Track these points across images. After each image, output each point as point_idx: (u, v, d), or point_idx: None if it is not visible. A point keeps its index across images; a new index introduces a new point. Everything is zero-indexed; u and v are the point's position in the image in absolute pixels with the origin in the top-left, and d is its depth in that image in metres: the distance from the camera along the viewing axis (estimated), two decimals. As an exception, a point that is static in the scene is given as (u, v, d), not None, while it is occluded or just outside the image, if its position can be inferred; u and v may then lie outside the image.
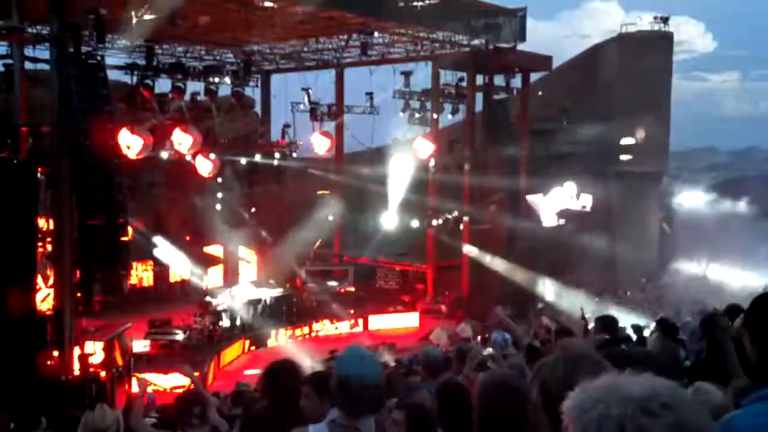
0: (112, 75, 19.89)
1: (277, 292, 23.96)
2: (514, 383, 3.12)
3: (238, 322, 21.99)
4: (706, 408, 1.40)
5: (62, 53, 15.83)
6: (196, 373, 17.02)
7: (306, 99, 27.39)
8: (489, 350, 6.78)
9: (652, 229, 34.79)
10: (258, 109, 30.94)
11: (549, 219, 28.28)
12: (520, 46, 26.84)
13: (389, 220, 28.03)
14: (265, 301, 23.16)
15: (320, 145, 27.01)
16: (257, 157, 26.45)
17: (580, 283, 26.92)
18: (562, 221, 28.37)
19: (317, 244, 29.02)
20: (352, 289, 26.84)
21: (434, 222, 27.34)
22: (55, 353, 15.12)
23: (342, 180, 29.36)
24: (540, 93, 30.83)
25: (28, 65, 17.19)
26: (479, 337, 19.47)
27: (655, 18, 36.42)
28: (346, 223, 29.51)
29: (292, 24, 22.06)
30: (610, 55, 35.93)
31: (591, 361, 2.60)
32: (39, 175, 15.53)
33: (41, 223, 15.66)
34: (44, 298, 15.70)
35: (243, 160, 26.14)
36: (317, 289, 25.72)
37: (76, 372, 15.19)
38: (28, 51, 17.91)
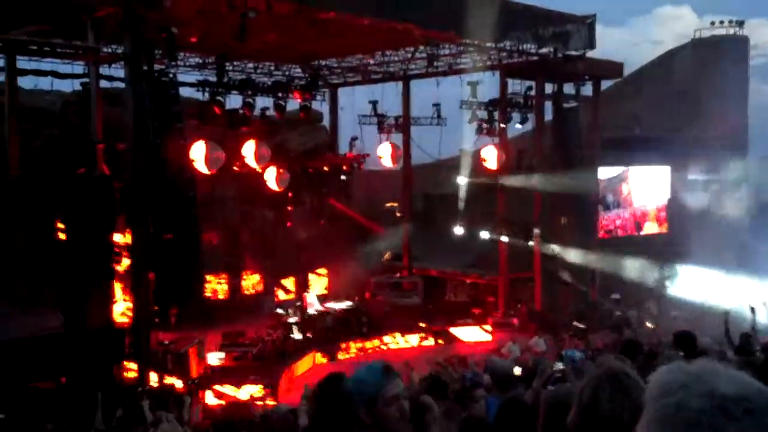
0: (184, 92, 20.39)
1: (347, 304, 24.02)
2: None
3: (309, 335, 22.11)
4: None
5: (136, 71, 16.24)
6: (258, 388, 17.24)
7: (373, 111, 27.51)
8: (560, 365, 6.61)
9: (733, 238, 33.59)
10: (326, 122, 31.25)
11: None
12: (590, 54, 26.38)
13: (459, 231, 27.88)
14: (335, 313, 23.24)
15: (388, 157, 27.10)
16: (325, 170, 26.68)
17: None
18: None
19: (386, 256, 29.04)
20: (421, 301, 26.74)
21: (505, 233, 27.03)
22: (133, 365, 15.46)
23: (410, 192, 29.37)
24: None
25: (104, 83, 17.76)
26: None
27: (730, 22, 35.42)
28: (415, 235, 29.43)
29: (359, 37, 22.19)
30: (684, 61, 35.11)
31: (616, 380, 2.46)
32: (115, 190, 15.97)
33: (118, 237, 16.07)
34: (122, 312, 16.08)
35: (312, 173, 26.41)
36: (386, 301, 25.69)
37: (153, 383, 15.47)
38: (104, 70, 18.49)
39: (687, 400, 1.28)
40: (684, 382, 1.31)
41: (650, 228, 30.38)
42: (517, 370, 9.69)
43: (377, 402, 2.84)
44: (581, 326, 23.78)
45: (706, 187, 31.76)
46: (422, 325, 24.64)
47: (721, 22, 35.58)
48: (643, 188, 30.08)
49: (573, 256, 26.35)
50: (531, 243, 26.56)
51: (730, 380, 1.30)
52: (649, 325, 24.09)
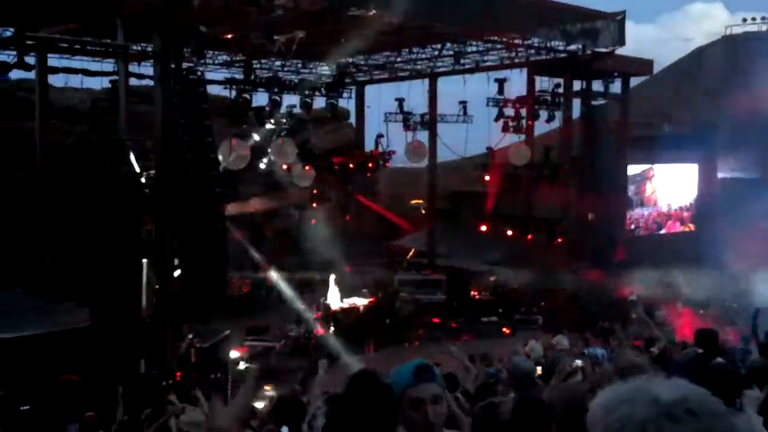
0: (212, 89, 20.58)
1: (371, 300, 24.09)
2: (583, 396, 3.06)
3: (332, 331, 22.23)
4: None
5: (165, 70, 16.44)
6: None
7: (399, 109, 27.51)
8: (578, 362, 6.59)
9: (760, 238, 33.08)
10: (352, 120, 31.33)
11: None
12: (620, 51, 26.15)
13: (483, 229, 27.83)
14: (359, 309, 23.33)
15: (414, 154, 27.11)
16: (351, 167, 26.76)
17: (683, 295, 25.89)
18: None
19: (411, 253, 29.06)
20: (445, 298, 26.72)
21: (530, 230, 26.94)
22: (158, 359, 15.66)
23: (435, 189, 29.34)
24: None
25: (133, 81, 18.00)
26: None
27: (763, 18, 34.89)
28: (441, 232, 29.42)
29: (386, 35, 22.20)
30: (715, 58, 34.65)
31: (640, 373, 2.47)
32: (143, 186, 16.17)
33: (145, 233, 16.28)
34: (147, 306, 16.27)
35: (337, 170, 26.52)
36: (410, 298, 25.71)
37: (177, 378, 15.64)
38: (134, 67, 18.74)
39: (631, 413, 1.32)
40: (625, 398, 1.36)
41: (673, 227, 29.99)
42: (538, 369, 9.70)
43: (402, 401, 2.77)
44: (606, 325, 23.61)
45: (734, 184, 31.28)
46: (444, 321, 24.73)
47: (753, 19, 35.07)
48: (669, 187, 29.72)
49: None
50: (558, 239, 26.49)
51: (669, 387, 1.35)
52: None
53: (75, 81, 21.36)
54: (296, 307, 22.91)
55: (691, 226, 30.22)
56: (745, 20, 35.22)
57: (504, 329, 25.07)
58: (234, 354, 19.43)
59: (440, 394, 2.80)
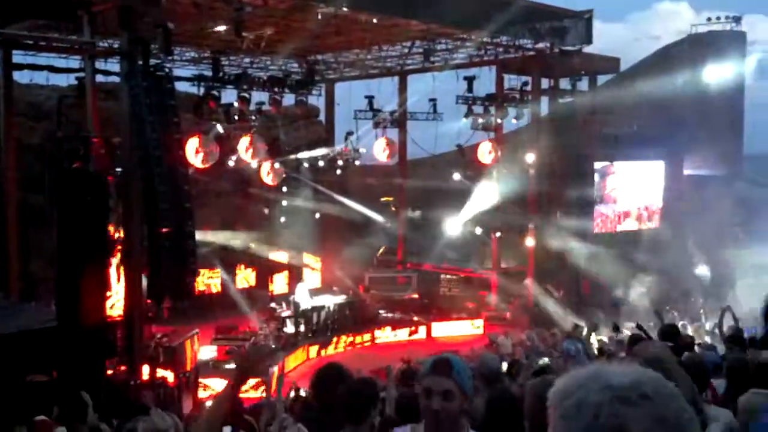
0: (180, 86, 20.39)
1: (341, 299, 24.10)
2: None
3: (302, 329, 22.21)
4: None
5: (132, 66, 16.26)
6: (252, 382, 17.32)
7: (369, 106, 27.50)
8: (545, 360, 6.69)
9: (725, 235, 33.62)
10: (322, 117, 31.25)
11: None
12: (588, 49, 26.41)
13: (453, 226, 27.95)
14: (329, 307, 23.33)
15: (383, 152, 27.12)
16: (321, 164, 26.72)
17: (648, 290, 26.29)
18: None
19: (381, 251, 29.10)
20: (416, 296, 26.82)
21: (498, 228, 27.12)
22: (125, 359, 15.54)
23: (405, 186, 29.41)
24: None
25: (100, 78, 17.76)
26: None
27: (727, 17, 35.39)
28: (410, 230, 29.50)
29: (356, 32, 22.22)
30: (681, 57, 35.09)
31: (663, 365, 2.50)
32: (110, 185, 15.99)
33: (112, 231, 16.10)
34: (114, 305, 16.13)
35: (306, 166, 26.47)
36: (380, 296, 25.78)
37: (145, 377, 15.55)
38: (100, 64, 18.48)
39: (586, 397, 1.35)
40: (580, 383, 1.38)
41: (630, 225, 30.07)
42: (504, 366, 9.81)
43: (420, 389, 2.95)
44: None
45: (699, 181, 31.75)
46: (415, 318, 24.86)
47: (718, 18, 35.56)
48: (631, 184, 29.84)
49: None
50: (526, 237, 26.70)
51: (622, 373, 1.37)
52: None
53: (40, 77, 21.09)
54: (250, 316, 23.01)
55: (650, 224, 30.49)
56: (709, 19, 35.74)
57: (473, 325, 25.25)
58: (203, 353, 19.42)
59: (450, 389, 2.85)
